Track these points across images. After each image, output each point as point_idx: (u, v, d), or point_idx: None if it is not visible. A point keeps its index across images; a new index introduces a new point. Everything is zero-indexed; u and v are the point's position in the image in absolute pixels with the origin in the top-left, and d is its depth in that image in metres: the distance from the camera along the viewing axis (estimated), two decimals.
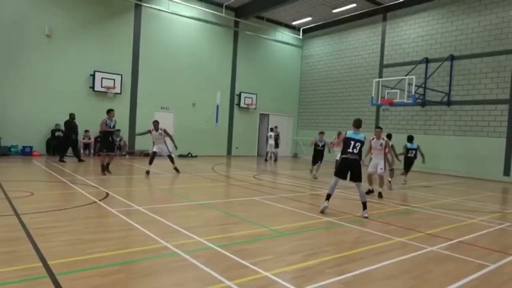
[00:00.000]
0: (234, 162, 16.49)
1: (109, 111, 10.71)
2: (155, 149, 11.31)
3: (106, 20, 16.89)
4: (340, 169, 6.64)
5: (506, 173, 14.74)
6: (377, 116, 19.32)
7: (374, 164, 8.96)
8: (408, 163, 11.75)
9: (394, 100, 15.02)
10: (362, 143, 6.62)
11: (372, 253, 4.62)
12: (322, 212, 6.62)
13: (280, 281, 3.62)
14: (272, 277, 3.69)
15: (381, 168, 8.76)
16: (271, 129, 19.04)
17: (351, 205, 7.76)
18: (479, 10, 15.79)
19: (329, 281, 3.68)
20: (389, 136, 10.59)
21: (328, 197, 6.54)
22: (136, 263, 3.88)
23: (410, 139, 11.70)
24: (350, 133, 6.66)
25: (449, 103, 16.48)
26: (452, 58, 16.38)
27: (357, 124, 6.76)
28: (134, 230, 5.09)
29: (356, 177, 6.50)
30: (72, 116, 13.90)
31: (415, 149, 11.65)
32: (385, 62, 19.06)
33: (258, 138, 21.31)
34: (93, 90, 16.65)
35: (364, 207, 6.43)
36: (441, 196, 9.76)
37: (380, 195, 8.81)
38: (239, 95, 20.58)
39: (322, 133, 12.67)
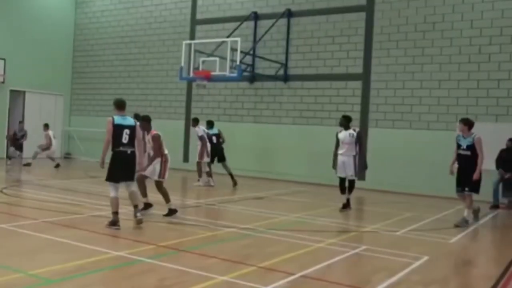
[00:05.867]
0: None
1: None
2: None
3: None
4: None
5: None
6: (188, 96, 16.22)
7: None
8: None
9: (213, 73, 12.51)
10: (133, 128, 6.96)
11: None
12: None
13: None
14: None
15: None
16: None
17: (154, 230, 6.97)
18: None
19: None
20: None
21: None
22: None
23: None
24: (118, 119, 6.69)
25: (286, 77, 14.20)
26: (289, 14, 14.06)
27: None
28: None
29: (131, 176, 6.95)
30: None
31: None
32: (198, 16, 16.09)
33: (8, 128, 16.80)
34: None
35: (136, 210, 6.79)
36: (279, 211, 9.37)
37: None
38: None
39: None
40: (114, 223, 6.32)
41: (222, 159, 11.68)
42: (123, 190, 7.00)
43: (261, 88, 14.71)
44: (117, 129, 6.30)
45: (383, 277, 5.03)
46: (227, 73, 12.19)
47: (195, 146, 13.42)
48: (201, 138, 11.47)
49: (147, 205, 7.72)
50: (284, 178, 13.81)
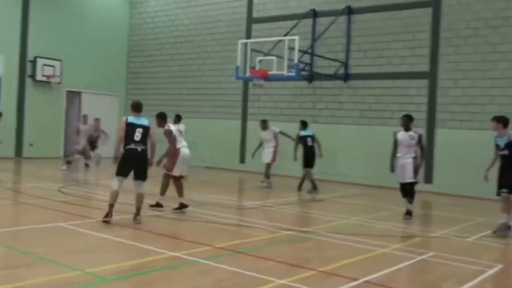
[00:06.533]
0: (28, 168, 14.64)
1: None
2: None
3: None
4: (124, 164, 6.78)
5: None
6: (245, 96, 16.19)
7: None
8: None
9: (270, 72, 12.35)
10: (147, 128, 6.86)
11: None
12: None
13: None
14: None
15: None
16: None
17: (210, 231, 7.02)
18: None
19: None
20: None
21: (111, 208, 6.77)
22: None
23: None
24: (131, 119, 6.83)
25: (346, 76, 13.95)
26: (349, 11, 13.75)
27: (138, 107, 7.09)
28: None
29: (141, 175, 6.76)
30: None
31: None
32: (254, 14, 15.89)
33: (65, 129, 17.46)
34: None
35: (137, 213, 6.77)
36: (340, 214, 9.25)
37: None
38: (34, 62, 16.56)
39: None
40: (106, 214, 6.54)
41: (312, 164, 11.07)
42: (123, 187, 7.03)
43: (319, 87, 14.40)
44: (130, 128, 6.49)
45: (452, 285, 4.85)
46: (284, 72, 11.94)
47: (253, 147, 13.10)
48: (280, 133, 11.24)
49: (182, 205, 7.74)
50: (344, 180, 13.55)
